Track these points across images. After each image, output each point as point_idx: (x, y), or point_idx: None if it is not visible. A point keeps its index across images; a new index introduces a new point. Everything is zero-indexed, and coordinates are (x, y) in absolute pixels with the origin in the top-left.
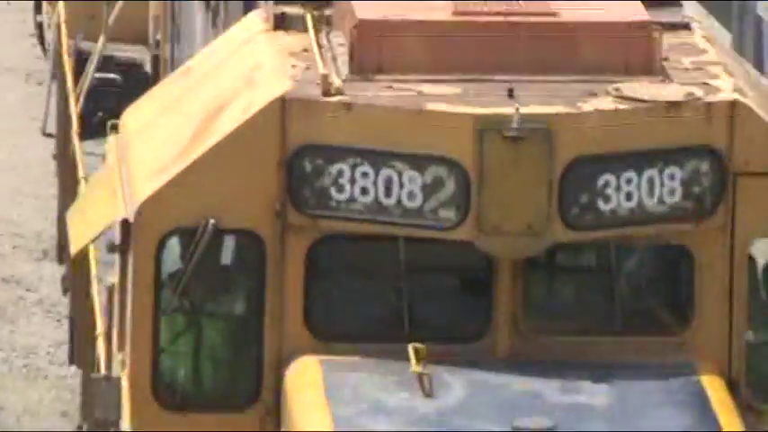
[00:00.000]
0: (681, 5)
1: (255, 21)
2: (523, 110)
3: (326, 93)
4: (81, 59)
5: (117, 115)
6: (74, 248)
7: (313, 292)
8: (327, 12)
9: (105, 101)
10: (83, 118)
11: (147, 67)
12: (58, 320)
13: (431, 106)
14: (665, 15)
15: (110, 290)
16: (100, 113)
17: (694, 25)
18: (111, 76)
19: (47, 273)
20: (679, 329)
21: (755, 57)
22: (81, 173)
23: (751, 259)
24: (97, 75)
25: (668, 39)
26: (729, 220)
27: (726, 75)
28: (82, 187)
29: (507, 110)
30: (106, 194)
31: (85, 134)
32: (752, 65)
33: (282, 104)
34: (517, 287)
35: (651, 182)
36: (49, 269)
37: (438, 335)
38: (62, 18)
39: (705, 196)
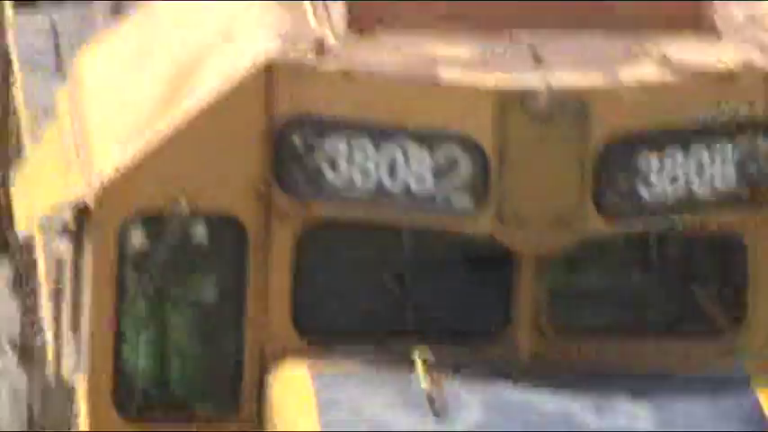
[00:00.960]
0: None
1: None
2: (554, 82)
3: (320, 53)
4: None
5: None
6: (20, 229)
7: (303, 287)
8: None
9: None
10: None
11: None
12: None
13: (446, 75)
14: None
15: (59, 264)
16: None
17: None
18: None
19: None
20: (731, 332)
21: None
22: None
23: None
24: None
25: None
26: None
27: None
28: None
29: (534, 81)
30: (58, 164)
31: None
32: None
33: (269, 69)
34: (541, 283)
35: (700, 162)
36: None
37: (448, 336)
38: None
39: (763, 178)
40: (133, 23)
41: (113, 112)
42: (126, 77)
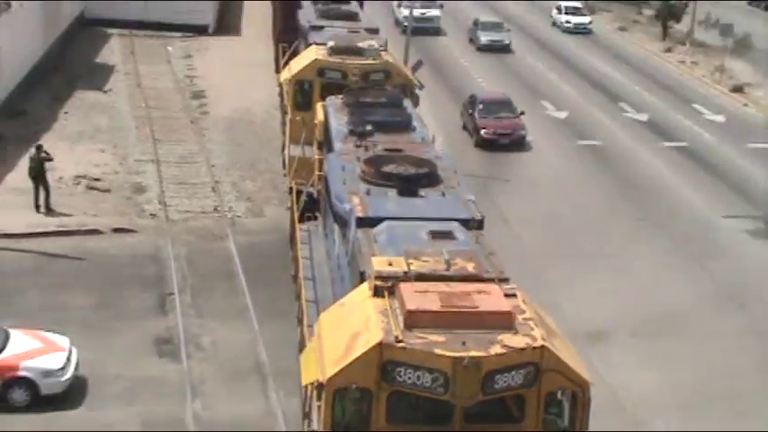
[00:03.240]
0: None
1: (365, 289)
2: (468, 355)
3: (397, 341)
4: None
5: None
6: (304, 380)
7: (391, 411)
8: (394, 281)
9: None
10: None
11: None
12: None
13: (437, 351)
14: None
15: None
16: None
17: (517, 293)
18: None
19: None
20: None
21: None
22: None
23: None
24: None
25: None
26: (538, 389)
27: (536, 327)
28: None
29: (464, 355)
30: (315, 357)
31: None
32: None
33: (380, 345)
34: (462, 416)
35: (514, 377)
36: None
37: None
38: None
39: (531, 382)
40: (343, 300)
41: (332, 343)
42: (336, 329)
